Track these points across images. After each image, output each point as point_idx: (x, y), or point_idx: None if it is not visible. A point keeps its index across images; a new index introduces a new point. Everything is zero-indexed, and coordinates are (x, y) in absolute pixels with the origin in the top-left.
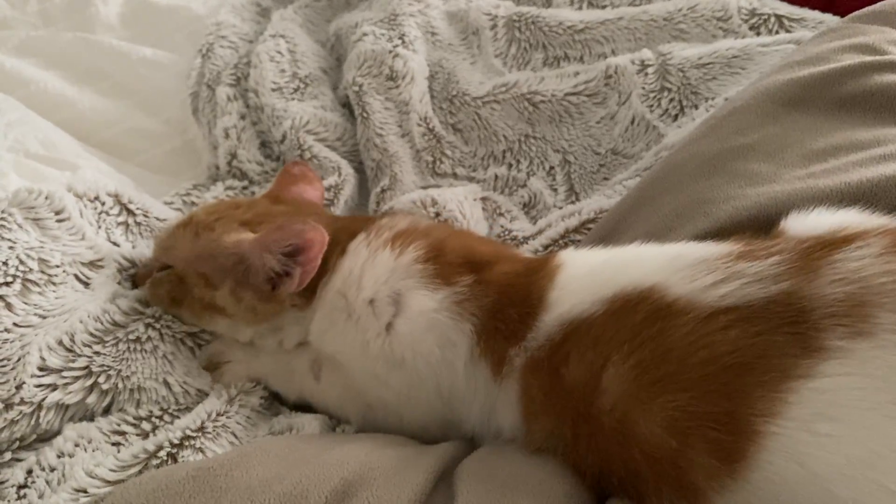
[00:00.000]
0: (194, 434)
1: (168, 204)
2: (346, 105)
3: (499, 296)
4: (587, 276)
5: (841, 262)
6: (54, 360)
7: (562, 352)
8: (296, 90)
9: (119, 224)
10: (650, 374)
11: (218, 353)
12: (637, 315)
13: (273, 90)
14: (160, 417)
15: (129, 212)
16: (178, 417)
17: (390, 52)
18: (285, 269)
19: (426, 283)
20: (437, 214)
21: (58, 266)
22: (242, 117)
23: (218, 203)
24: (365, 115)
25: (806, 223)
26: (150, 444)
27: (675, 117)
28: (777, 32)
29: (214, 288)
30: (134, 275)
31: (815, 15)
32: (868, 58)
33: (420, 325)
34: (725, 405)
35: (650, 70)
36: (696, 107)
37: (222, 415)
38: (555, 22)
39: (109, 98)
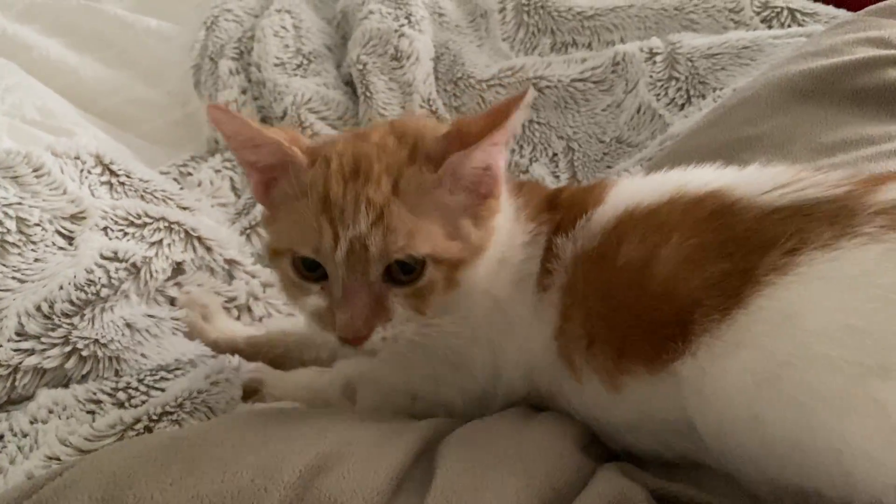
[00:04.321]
0: (173, 410)
1: (164, 174)
2: (349, 83)
3: (565, 212)
4: (647, 181)
5: None
6: (33, 327)
7: (615, 235)
8: (299, 66)
9: (103, 183)
10: (706, 252)
11: (254, 381)
12: (703, 210)
13: (276, 65)
14: (136, 388)
15: (112, 172)
16: (154, 388)
17: (396, 31)
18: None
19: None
20: None
21: (37, 224)
22: (244, 91)
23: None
24: (368, 94)
25: None
26: (127, 416)
27: (682, 107)
28: (789, 26)
29: (467, 230)
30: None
31: (829, 9)
32: (883, 52)
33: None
34: (748, 264)
35: (658, 58)
36: (704, 97)
37: (203, 392)
38: (564, 7)
39: (112, 67)
